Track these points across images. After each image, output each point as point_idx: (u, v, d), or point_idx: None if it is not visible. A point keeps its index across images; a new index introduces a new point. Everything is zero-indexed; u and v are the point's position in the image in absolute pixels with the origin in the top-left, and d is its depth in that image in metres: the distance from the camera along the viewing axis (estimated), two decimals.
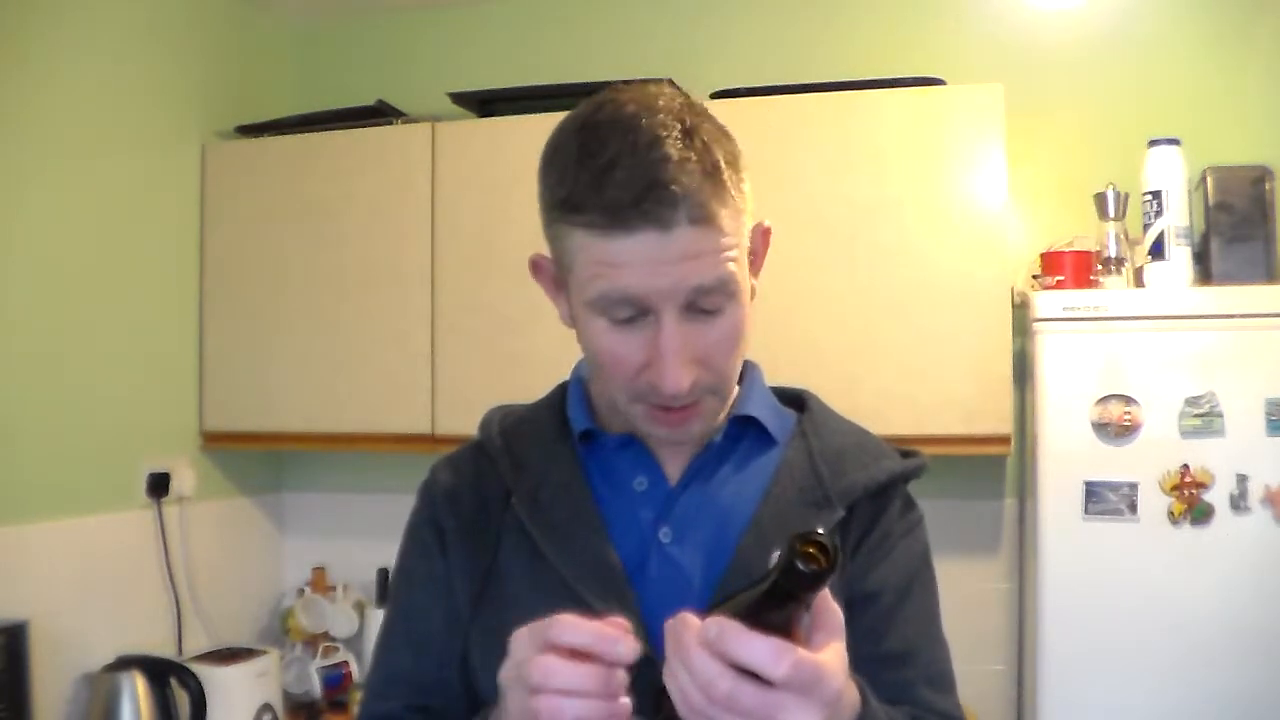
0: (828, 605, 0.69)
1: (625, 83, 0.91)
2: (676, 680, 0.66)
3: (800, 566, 0.62)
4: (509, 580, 0.95)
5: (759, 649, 0.64)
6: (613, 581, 0.90)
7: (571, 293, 0.89)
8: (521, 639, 0.74)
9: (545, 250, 0.94)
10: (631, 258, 0.81)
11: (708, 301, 0.85)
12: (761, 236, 0.93)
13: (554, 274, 0.92)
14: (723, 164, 0.84)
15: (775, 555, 0.65)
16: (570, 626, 0.71)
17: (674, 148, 0.81)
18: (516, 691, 0.73)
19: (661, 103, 0.84)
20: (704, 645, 0.65)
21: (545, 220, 0.89)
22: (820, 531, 0.63)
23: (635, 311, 0.84)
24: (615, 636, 0.70)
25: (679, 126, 0.83)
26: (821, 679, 0.65)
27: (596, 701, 0.69)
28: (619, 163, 0.80)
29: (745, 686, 0.64)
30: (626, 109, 0.84)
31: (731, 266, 0.85)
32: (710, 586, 0.91)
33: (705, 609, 0.68)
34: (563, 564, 0.92)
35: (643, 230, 0.81)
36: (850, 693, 0.71)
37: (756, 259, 0.92)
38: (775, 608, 0.65)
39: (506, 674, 0.74)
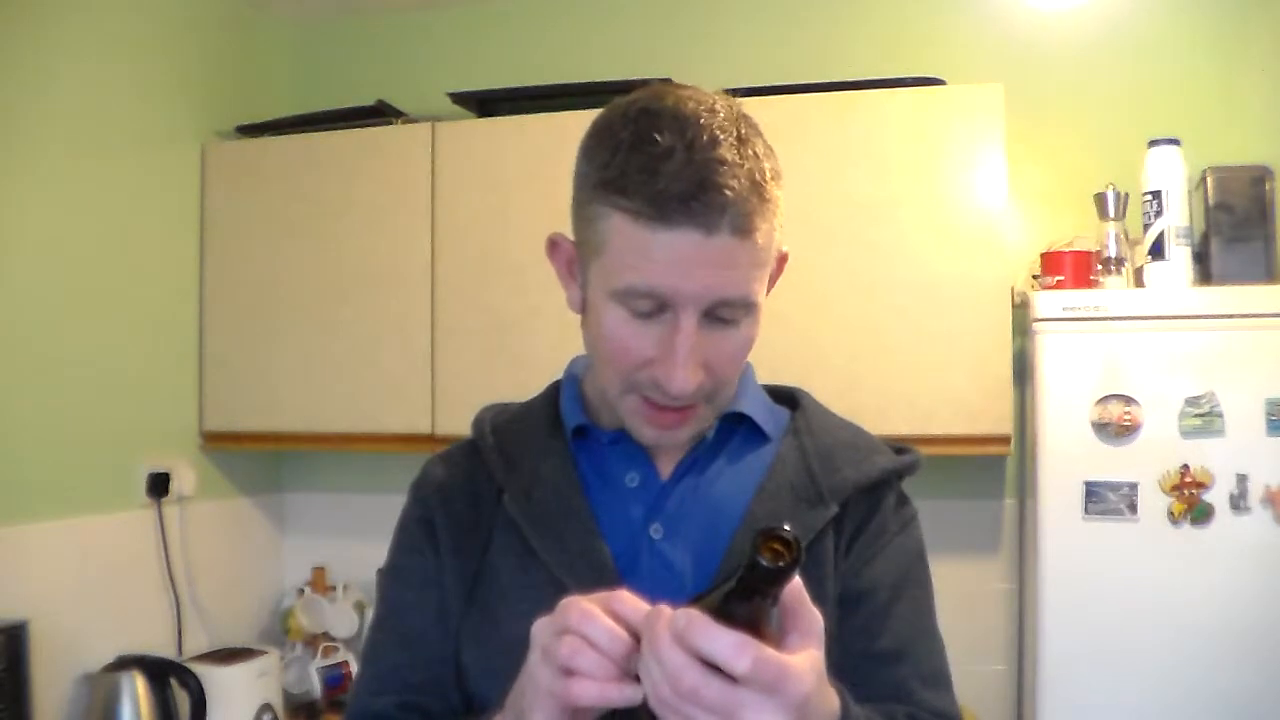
0: (805, 608, 0.69)
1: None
2: (649, 672, 0.66)
3: (763, 562, 0.62)
4: (500, 577, 0.94)
5: (722, 642, 0.64)
6: (604, 578, 0.89)
7: (592, 276, 0.88)
8: (542, 626, 0.74)
9: (546, 242, 0.94)
10: (668, 254, 0.81)
11: (728, 312, 0.85)
12: (779, 262, 0.92)
13: (571, 256, 0.92)
14: (769, 179, 0.84)
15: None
16: (588, 613, 0.71)
17: (730, 152, 0.81)
18: (543, 672, 0.72)
19: (719, 106, 0.85)
20: (673, 637, 0.65)
21: (581, 198, 0.88)
22: (785, 527, 0.63)
23: (655, 306, 0.84)
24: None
25: (735, 133, 0.83)
26: (786, 679, 0.65)
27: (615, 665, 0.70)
28: (674, 155, 0.80)
29: (711, 681, 0.64)
30: (687, 105, 0.84)
31: (757, 284, 0.86)
32: (701, 583, 0.90)
33: (685, 604, 0.68)
34: (554, 560, 0.92)
35: (685, 228, 0.80)
36: (826, 699, 0.70)
37: (770, 282, 0.92)
38: (742, 602, 0.65)
39: (531, 661, 0.74)
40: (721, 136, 0.82)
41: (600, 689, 0.69)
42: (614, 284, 0.85)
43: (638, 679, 0.69)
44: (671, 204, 0.80)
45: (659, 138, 0.81)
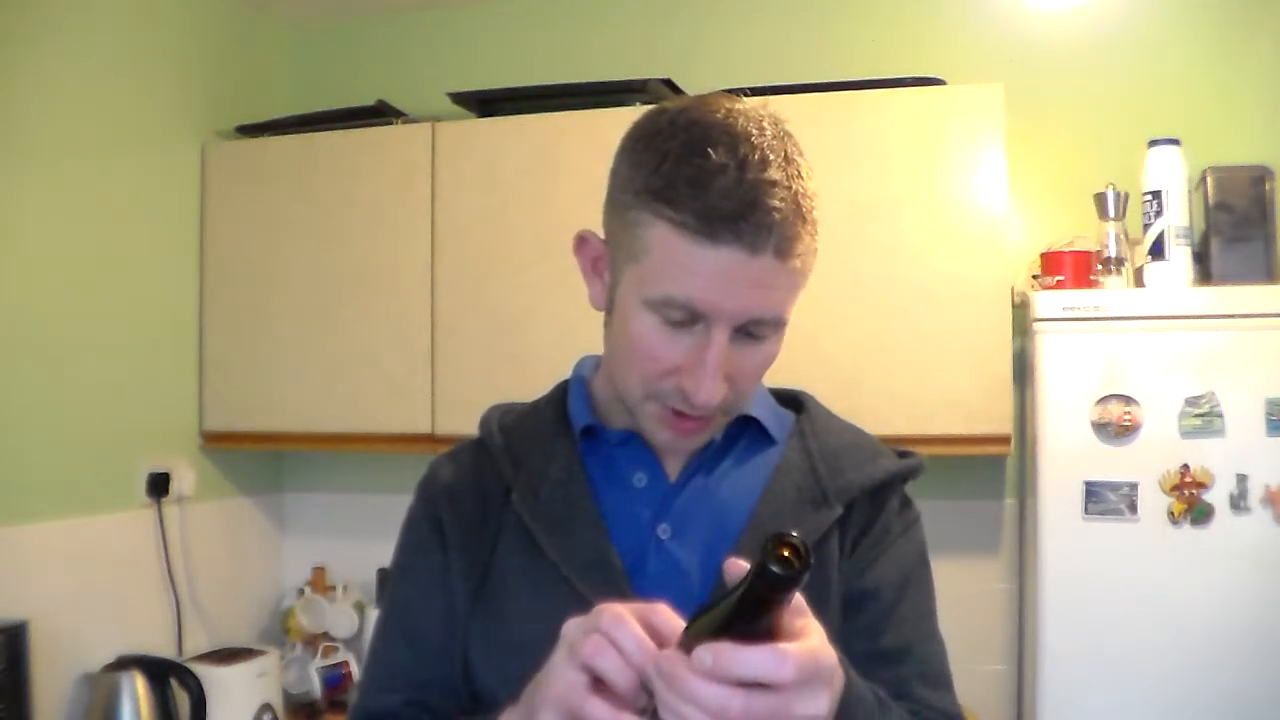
0: None
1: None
2: (680, 713, 0.65)
3: (775, 569, 0.62)
4: (507, 577, 0.95)
5: (760, 661, 0.64)
6: (611, 578, 0.90)
7: (625, 279, 0.88)
8: (573, 625, 0.73)
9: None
10: (709, 270, 0.82)
11: (758, 329, 0.86)
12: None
13: (600, 253, 0.92)
14: (812, 200, 0.85)
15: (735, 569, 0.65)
16: (620, 617, 0.70)
17: (779, 172, 0.82)
18: (565, 670, 0.71)
19: (767, 124, 0.85)
20: (703, 675, 0.64)
21: (622, 201, 0.87)
22: (793, 534, 0.63)
23: (688, 317, 0.85)
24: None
25: (783, 153, 0.83)
26: (820, 663, 0.66)
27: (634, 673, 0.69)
28: (726, 172, 0.81)
29: (757, 697, 0.64)
30: (738, 120, 0.84)
31: (791, 303, 0.87)
32: (709, 583, 0.91)
33: (686, 627, 0.68)
34: (561, 560, 0.92)
35: (731, 247, 0.81)
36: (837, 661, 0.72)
37: None
38: (757, 614, 0.64)
39: (556, 658, 0.73)
40: (772, 157, 0.82)
41: (613, 716, 0.68)
42: (650, 292, 0.85)
43: (649, 697, 0.68)
44: (720, 222, 0.80)
45: (711, 152, 0.81)
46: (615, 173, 0.89)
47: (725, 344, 0.85)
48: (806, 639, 0.67)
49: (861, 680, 0.80)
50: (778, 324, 0.87)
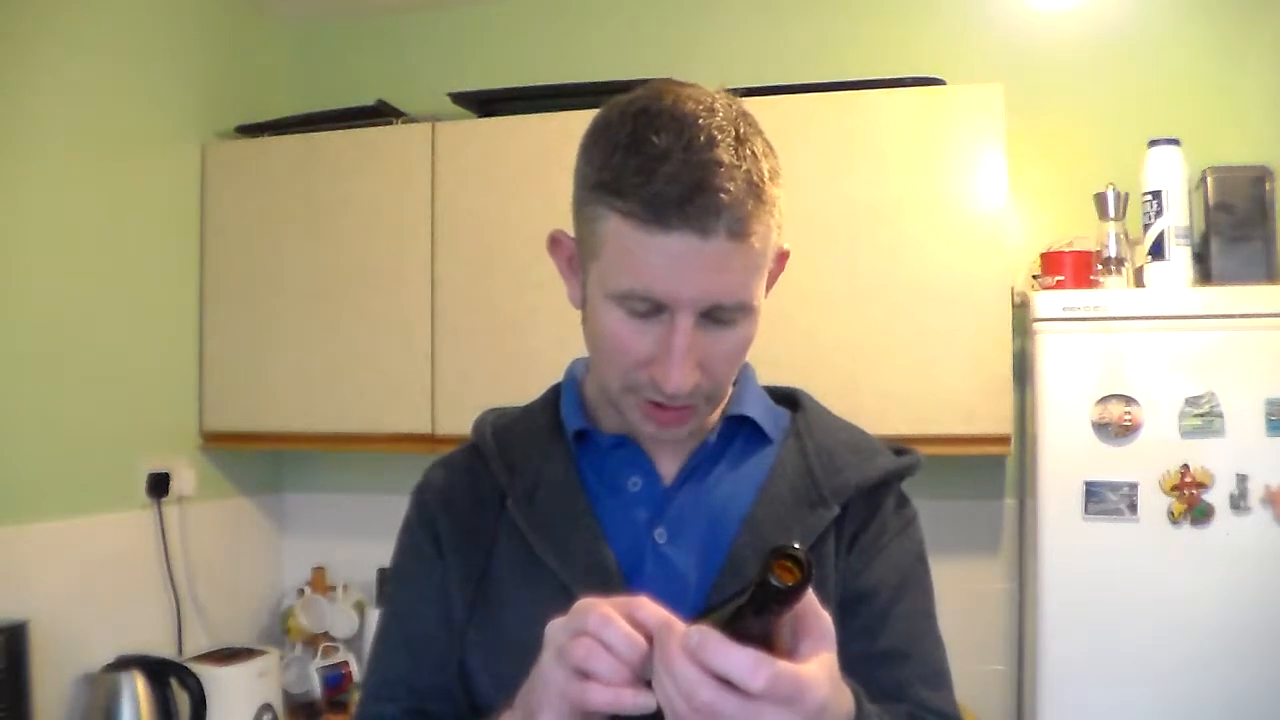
0: (815, 612, 0.69)
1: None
2: (663, 687, 0.66)
3: (774, 582, 0.62)
4: (504, 582, 0.94)
5: (737, 660, 0.63)
6: (608, 582, 0.89)
7: (590, 276, 0.88)
8: (558, 626, 0.73)
9: (548, 238, 0.94)
10: (663, 258, 0.81)
11: (724, 314, 0.85)
12: (779, 260, 0.92)
13: (572, 252, 0.92)
14: (767, 180, 0.83)
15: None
16: (606, 617, 0.70)
17: (727, 153, 0.80)
18: (556, 672, 0.72)
19: (718, 105, 0.84)
20: (686, 653, 0.65)
21: (580, 198, 0.87)
22: (795, 546, 0.63)
23: (652, 307, 0.84)
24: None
25: (733, 133, 0.82)
26: (803, 690, 0.65)
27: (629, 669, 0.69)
28: (670, 156, 0.79)
29: (727, 696, 0.64)
30: (685, 104, 0.83)
31: (754, 286, 0.85)
32: (706, 586, 0.91)
33: (695, 617, 0.68)
34: (558, 565, 0.91)
35: (681, 231, 0.80)
36: (841, 700, 0.70)
37: (770, 279, 0.91)
38: (754, 619, 0.65)
39: (545, 661, 0.73)
40: (719, 137, 0.81)
41: (614, 694, 0.69)
42: (611, 286, 0.84)
43: (650, 685, 0.69)
44: (667, 207, 0.79)
45: (655, 139, 0.80)
46: (575, 171, 0.89)
47: (689, 331, 0.84)
48: (801, 662, 0.66)
49: (877, 714, 0.79)
50: (744, 308, 0.86)
